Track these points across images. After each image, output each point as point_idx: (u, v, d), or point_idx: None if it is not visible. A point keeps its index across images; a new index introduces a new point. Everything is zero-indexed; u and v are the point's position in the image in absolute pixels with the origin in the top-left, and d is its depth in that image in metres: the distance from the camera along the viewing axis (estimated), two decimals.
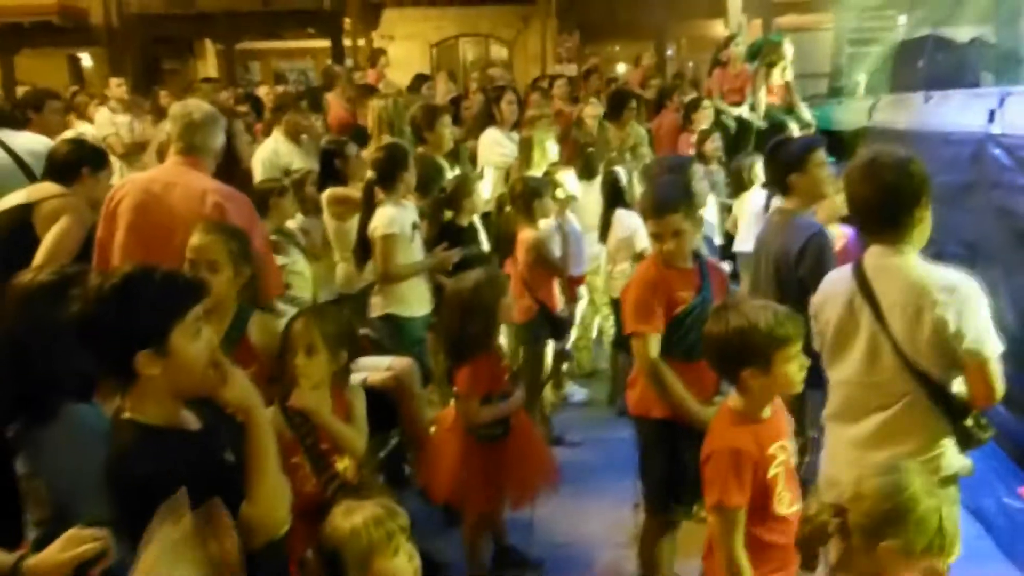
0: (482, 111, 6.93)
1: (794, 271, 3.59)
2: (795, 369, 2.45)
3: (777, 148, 4.00)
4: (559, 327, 5.05)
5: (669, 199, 3.36)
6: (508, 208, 5.09)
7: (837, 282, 2.79)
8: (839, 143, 7.81)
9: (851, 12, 10.64)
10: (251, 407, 1.97)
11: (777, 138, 4.21)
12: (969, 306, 2.46)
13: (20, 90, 18.68)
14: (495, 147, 6.39)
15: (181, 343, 1.89)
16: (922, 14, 8.96)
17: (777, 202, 4.27)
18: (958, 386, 2.59)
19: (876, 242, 2.66)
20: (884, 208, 2.61)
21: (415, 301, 4.52)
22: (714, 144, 6.63)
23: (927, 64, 7.14)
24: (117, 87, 8.49)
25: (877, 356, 2.61)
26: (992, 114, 5.02)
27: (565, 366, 5.84)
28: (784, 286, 3.61)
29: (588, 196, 5.84)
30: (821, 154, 3.90)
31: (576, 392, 5.96)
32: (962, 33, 7.45)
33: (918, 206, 2.60)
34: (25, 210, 3.78)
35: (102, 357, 1.92)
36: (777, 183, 4.02)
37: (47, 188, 3.91)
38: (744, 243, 5.78)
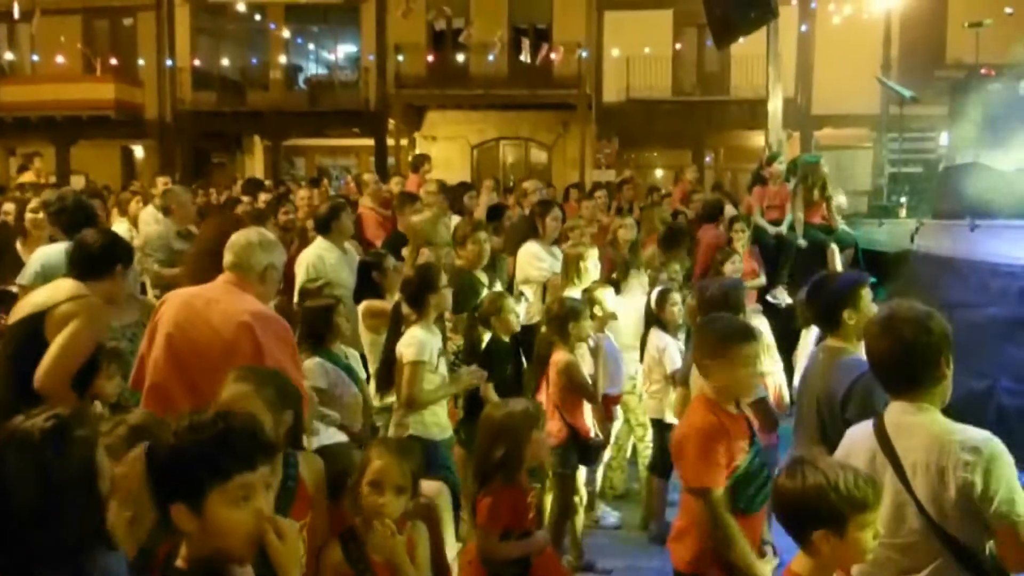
0: (523, 224, 6.94)
1: (840, 414, 3.46)
2: (869, 537, 2.32)
3: (822, 285, 3.92)
4: (589, 453, 4.91)
5: (733, 332, 3.29)
6: (543, 328, 5.03)
7: (858, 439, 2.72)
8: (880, 265, 7.76)
9: (892, 131, 10.69)
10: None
11: (819, 275, 4.13)
12: (996, 467, 2.38)
13: (73, 179, 19.43)
14: (534, 261, 6.36)
15: (217, 507, 1.79)
16: (967, 136, 8.98)
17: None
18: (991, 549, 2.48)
19: (896, 398, 2.62)
20: (903, 365, 2.58)
21: (435, 425, 4.42)
22: (733, 266, 6.51)
23: (972, 191, 7.08)
24: (164, 185, 8.63)
25: (903, 517, 2.53)
26: None
27: (597, 487, 5.67)
28: (828, 428, 3.48)
29: (627, 314, 5.77)
30: (868, 290, 3.83)
31: (608, 515, 5.77)
32: (1007, 161, 7.42)
33: (939, 364, 2.56)
34: (37, 320, 3.64)
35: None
36: (825, 320, 3.92)
37: (65, 288, 3.76)
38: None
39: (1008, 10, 13.33)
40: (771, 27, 9.55)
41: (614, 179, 17.51)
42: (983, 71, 9.83)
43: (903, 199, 9.36)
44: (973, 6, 16.30)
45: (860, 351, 3.79)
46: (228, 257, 3.49)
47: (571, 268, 5.75)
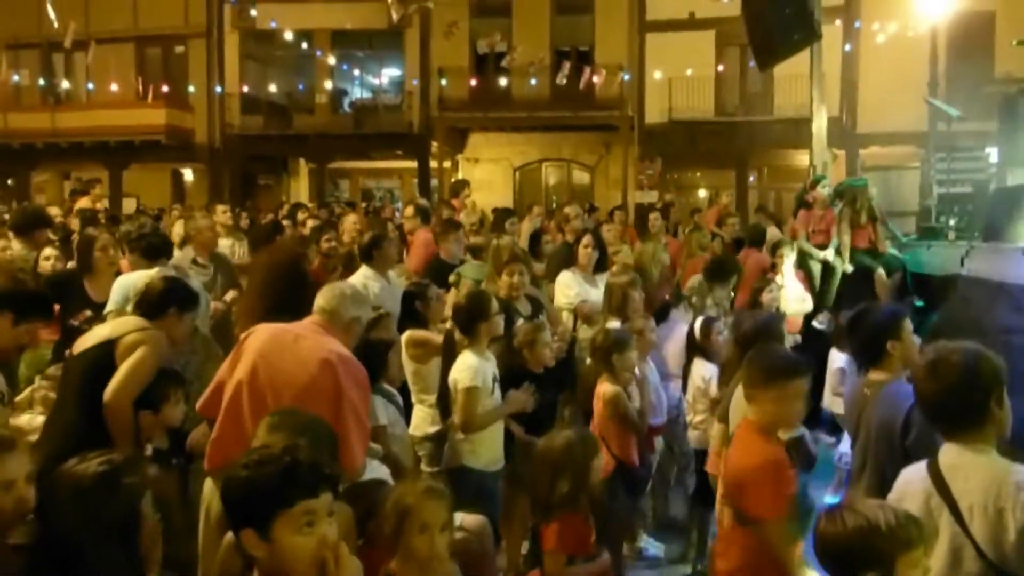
0: (559, 253, 6.96)
1: (900, 445, 3.42)
2: None
3: (863, 317, 3.91)
4: (637, 484, 4.89)
5: (784, 366, 3.32)
6: (588, 360, 5.03)
7: (912, 481, 2.69)
8: (928, 288, 7.62)
9: (940, 150, 10.52)
10: None
11: (859, 307, 4.10)
12: None
13: (126, 201, 19.93)
14: (565, 290, 6.36)
15: (283, 533, 1.92)
16: (1017, 155, 8.80)
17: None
18: None
19: (950, 439, 2.61)
20: (953, 409, 2.59)
21: (487, 453, 4.46)
22: (771, 295, 6.35)
23: (1021, 214, 6.94)
24: (223, 213, 8.70)
25: (960, 560, 2.50)
26: None
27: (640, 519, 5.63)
28: (893, 461, 3.43)
29: (668, 343, 5.75)
30: (909, 320, 3.83)
31: (650, 546, 5.72)
32: None
33: (989, 404, 2.55)
34: (107, 346, 3.86)
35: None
36: (868, 352, 3.88)
37: (130, 322, 4.01)
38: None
39: None
40: (814, 46, 9.48)
41: (656, 200, 17.51)
42: None
43: (952, 220, 9.18)
44: (1021, 21, 16.05)
45: (904, 380, 3.77)
46: (320, 302, 3.67)
47: (614, 298, 5.73)
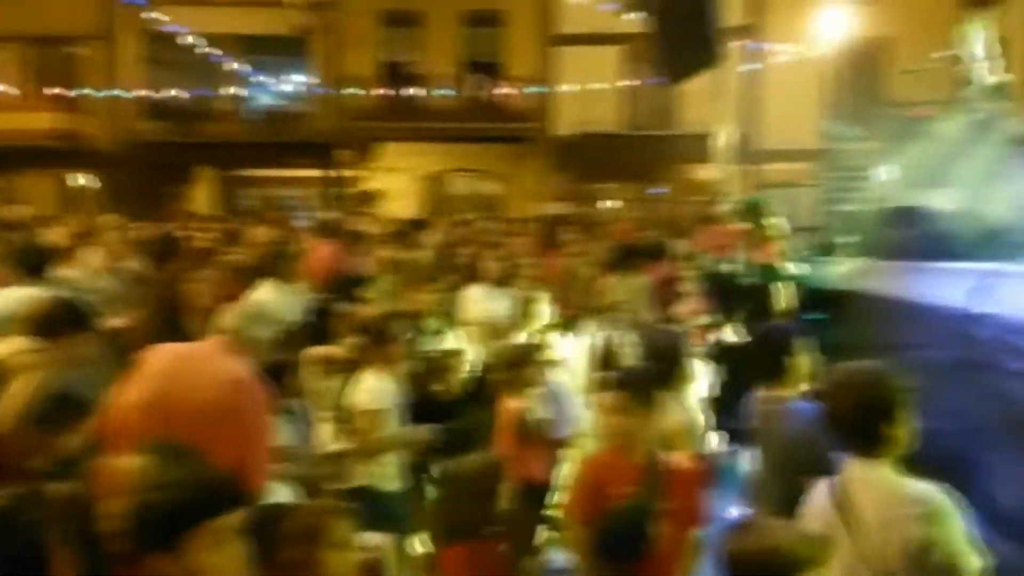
0: (467, 267, 6.93)
1: (803, 458, 3.49)
2: None
3: (764, 333, 4.02)
4: (542, 498, 4.87)
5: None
6: (491, 376, 5.00)
7: (817, 496, 2.75)
8: (827, 304, 7.86)
9: (834, 169, 10.93)
10: None
11: (763, 326, 4.22)
12: (943, 522, 2.44)
13: (16, 209, 18.95)
14: (473, 304, 6.34)
15: (197, 551, 1.89)
16: (906, 176, 9.18)
17: None
18: None
19: (853, 455, 2.66)
20: (857, 425, 2.63)
21: (386, 476, 4.35)
22: (682, 308, 6.52)
23: (913, 233, 7.23)
24: (114, 226, 8.31)
25: (855, 574, 2.55)
26: (979, 291, 5.04)
27: (545, 532, 5.62)
28: (796, 476, 3.49)
29: (580, 356, 5.78)
30: (808, 337, 3.95)
31: (556, 558, 5.72)
32: (945, 201, 7.60)
33: (894, 421, 2.61)
34: None
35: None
36: (769, 368, 3.97)
37: (18, 343, 3.75)
38: None
39: (939, 54, 13.83)
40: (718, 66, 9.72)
41: (568, 211, 17.67)
42: (921, 111, 10.11)
43: (847, 237, 9.52)
44: (915, 47, 16.87)
45: (798, 397, 3.87)
46: (224, 321, 3.58)
47: (522, 311, 5.74)
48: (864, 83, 18.76)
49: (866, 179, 10.96)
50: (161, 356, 3.49)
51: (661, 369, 4.12)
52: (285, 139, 21.89)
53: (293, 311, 5.65)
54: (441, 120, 20.43)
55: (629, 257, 6.97)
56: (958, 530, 2.45)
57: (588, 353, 5.62)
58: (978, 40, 8.54)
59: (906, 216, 7.65)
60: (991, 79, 8.27)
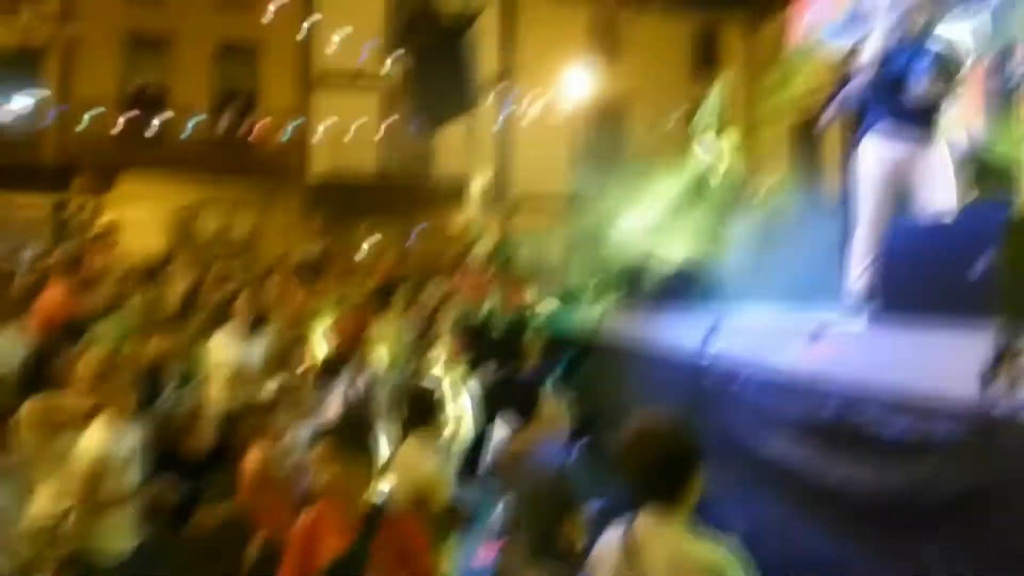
0: (216, 309, 6.57)
1: (556, 501, 3.59)
2: None
3: (513, 377, 4.14)
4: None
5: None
6: (239, 425, 4.75)
7: (606, 545, 2.72)
8: (574, 348, 8.26)
9: (580, 217, 11.55)
10: None
11: (511, 369, 4.34)
12: None
13: None
14: (221, 350, 6.02)
15: None
16: (641, 228, 9.89)
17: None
18: None
19: (647, 508, 2.63)
20: (664, 474, 2.58)
21: (118, 536, 3.98)
22: (436, 353, 6.60)
23: (650, 282, 7.81)
24: None
25: None
26: (709, 337, 5.49)
27: None
28: (548, 519, 3.57)
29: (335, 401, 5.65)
30: (557, 380, 4.10)
31: None
32: (675, 252, 8.30)
33: (695, 472, 2.61)
34: None
35: None
36: (519, 410, 4.10)
37: None
38: None
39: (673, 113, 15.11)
40: (474, 113, 10.07)
41: (321, 251, 17.33)
42: (656, 165, 10.99)
43: (592, 283, 10.09)
44: (653, 106, 18.40)
45: (547, 439, 4.03)
46: None
47: (274, 356, 5.53)
48: (606, 137, 20.30)
49: (609, 228, 11.67)
50: None
51: (412, 414, 4.13)
52: (9, 162, 19.82)
53: (9, 358, 5.12)
54: (191, 150, 19.45)
55: (388, 297, 6.95)
56: None
57: (340, 398, 5.50)
58: (707, 102, 9.50)
59: (643, 265, 8.28)
60: (716, 139, 9.22)
